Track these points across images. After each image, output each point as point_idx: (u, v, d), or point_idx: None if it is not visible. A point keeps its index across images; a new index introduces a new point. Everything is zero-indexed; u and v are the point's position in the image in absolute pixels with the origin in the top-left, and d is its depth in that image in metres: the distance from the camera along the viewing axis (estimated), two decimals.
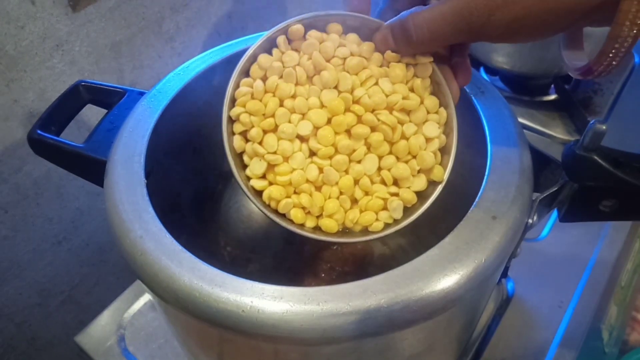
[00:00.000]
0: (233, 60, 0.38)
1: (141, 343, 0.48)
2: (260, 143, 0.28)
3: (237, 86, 0.29)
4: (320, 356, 0.28)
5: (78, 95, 0.38)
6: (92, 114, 0.39)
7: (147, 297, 0.50)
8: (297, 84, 0.28)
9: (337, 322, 0.24)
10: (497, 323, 0.47)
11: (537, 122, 0.60)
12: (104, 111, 0.37)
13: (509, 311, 0.48)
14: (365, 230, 0.29)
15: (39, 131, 0.35)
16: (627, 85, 0.64)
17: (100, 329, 0.48)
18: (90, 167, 0.34)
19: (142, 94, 0.37)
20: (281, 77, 0.29)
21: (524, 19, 0.23)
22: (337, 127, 0.28)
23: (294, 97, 0.28)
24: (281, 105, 0.28)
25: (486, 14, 0.23)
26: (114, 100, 0.37)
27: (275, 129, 0.28)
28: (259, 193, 0.29)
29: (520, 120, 0.39)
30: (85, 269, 0.62)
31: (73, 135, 0.36)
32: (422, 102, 0.29)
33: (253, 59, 0.29)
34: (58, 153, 0.35)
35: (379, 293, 0.24)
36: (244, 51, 0.39)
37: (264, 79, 0.29)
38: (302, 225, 0.29)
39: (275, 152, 0.28)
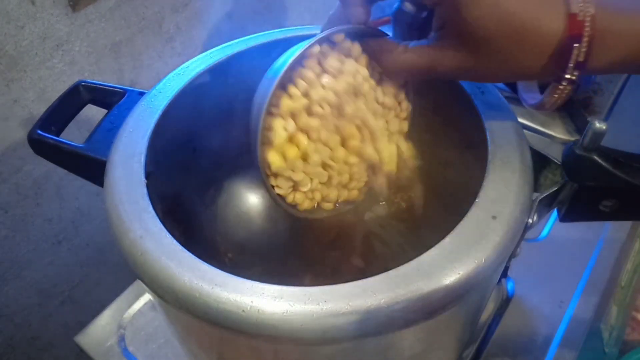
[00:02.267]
0: (233, 60, 0.39)
1: (141, 343, 0.48)
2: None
3: (275, 97, 0.30)
4: (321, 356, 0.28)
5: (78, 95, 0.38)
6: (92, 114, 0.39)
7: (147, 297, 0.50)
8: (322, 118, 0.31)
9: (337, 322, 0.24)
10: (497, 323, 0.47)
11: (537, 122, 0.60)
12: (104, 111, 0.37)
13: (509, 311, 0.48)
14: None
15: (39, 131, 0.35)
16: (627, 85, 0.64)
17: (100, 329, 0.48)
18: (91, 167, 0.34)
19: (142, 94, 0.37)
20: (310, 112, 0.30)
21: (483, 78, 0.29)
22: (350, 149, 0.32)
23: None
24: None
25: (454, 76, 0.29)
26: (114, 100, 0.37)
27: (305, 156, 0.31)
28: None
29: (520, 120, 0.39)
30: (85, 269, 0.62)
31: (73, 135, 0.36)
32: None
33: (289, 72, 0.29)
34: (58, 153, 0.35)
35: (379, 293, 0.24)
36: (244, 51, 0.39)
37: (294, 115, 0.30)
38: (310, 211, 0.34)
39: (303, 172, 0.32)
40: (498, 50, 0.25)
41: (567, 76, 0.25)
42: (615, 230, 0.54)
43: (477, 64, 0.26)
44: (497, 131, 0.32)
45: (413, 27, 0.31)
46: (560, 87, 0.26)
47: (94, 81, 0.39)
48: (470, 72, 0.27)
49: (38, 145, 0.36)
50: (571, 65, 0.24)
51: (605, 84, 0.62)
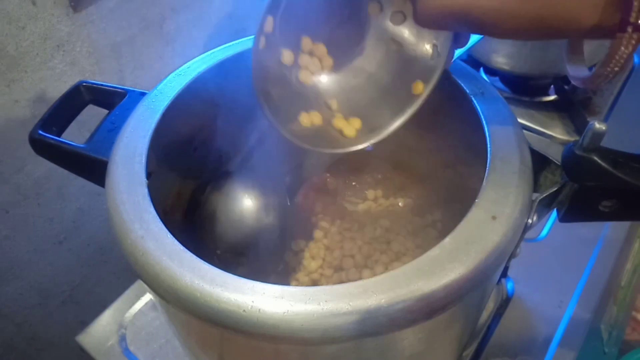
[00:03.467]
0: (233, 60, 0.39)
1: (142, 343, 0.48)
2: None
3: None
4: (321, 356, 0.28)
5: (79, 96, 0.38)
6: (93, 114, 0.39)
7: (148, 297, 0.51)
8: None
9: (337, 322, 0.24)
10: (497, 323, 0.48)
11: (537, 122, 0.60)
12: (105, 111, 0.37)
13: (509, 311, 0.48)
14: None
15: (40, 131, 0.35)
16: (627, 85, 0.64)
17: (101, 329, 0.48)
18: (92, 167, 0.34)
19: (143, 94, 0.37)
20: None
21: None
22: None
23: None
24: None
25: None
26: (115, 101, 0.37)
27: None
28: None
29: (520, 120, 0.39)
30: (86, 268, 0.62)
31: (74, 136, 0.36)
32: None
33: None
34: (59, 153, 0.35)
35: (379, 293, 0.24)
36: (244, 52, 0.39)
37: None
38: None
39: None
40: None
41: (632, 20, 0.19)
42: (615, 230, 0.54)
43: (520, 6, 0.22)
44: (497, 131, 0.32)
45: None
46: (625, 40, 0.20)
47: (95, 81, 0.39)
48: (508, 20, 0.23)
49: (39, 145, 0.36)
50: (637, 3, 0.19)
51: (605, 84, 0.62)
